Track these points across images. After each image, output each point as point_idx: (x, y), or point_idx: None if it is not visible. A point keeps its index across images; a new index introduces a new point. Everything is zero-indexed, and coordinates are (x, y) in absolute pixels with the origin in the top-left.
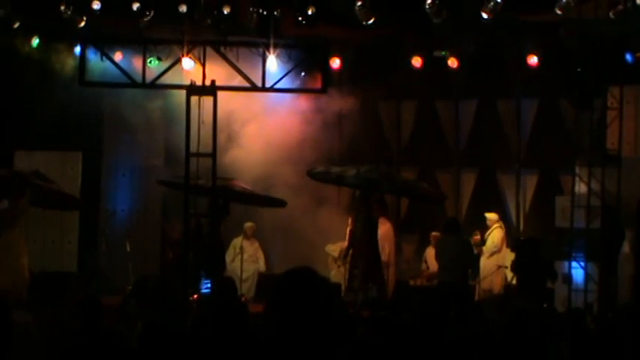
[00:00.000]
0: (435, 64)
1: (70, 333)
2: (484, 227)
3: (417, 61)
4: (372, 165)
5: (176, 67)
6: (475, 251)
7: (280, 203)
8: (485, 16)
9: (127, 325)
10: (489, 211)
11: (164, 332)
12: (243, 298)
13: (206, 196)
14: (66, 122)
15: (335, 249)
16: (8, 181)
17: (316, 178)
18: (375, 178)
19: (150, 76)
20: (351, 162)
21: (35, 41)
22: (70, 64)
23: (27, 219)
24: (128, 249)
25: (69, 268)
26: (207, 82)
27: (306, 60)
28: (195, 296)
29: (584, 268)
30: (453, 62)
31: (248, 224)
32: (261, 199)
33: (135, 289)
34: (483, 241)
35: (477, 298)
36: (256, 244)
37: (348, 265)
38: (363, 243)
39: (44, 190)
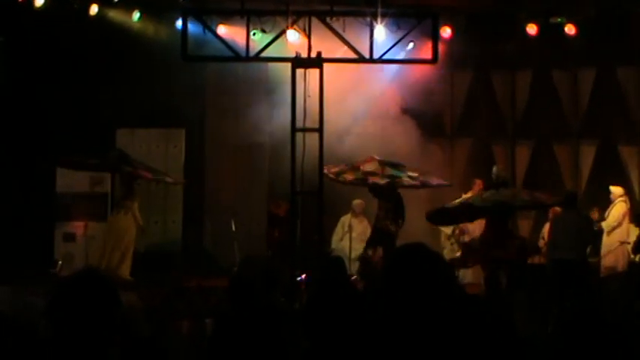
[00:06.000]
0: (551, 31)
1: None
2: (603, 202)
3: (532, 29)
4: (491, 190)
5: (280, 39)
6: (595, 227)
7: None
8: None
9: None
10: (612, 184)
11: (275, 313)
12: (353, 278)
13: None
14: (168, 99)
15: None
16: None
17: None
18: (501, 199)
19: (253, 49)
20: (463, 135)
21: (136, 15)
22: (172, 38)
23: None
24: (234, 228)
25: (173, 248)
26: (313, 54)
27: (416, 29)
28: (304, 276)
29: None
30: (570, 29)
31: (356, 201)
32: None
33: (241, 270)
34: (602, 218)
35: (601, 275)
36: (365, 222)
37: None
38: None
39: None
